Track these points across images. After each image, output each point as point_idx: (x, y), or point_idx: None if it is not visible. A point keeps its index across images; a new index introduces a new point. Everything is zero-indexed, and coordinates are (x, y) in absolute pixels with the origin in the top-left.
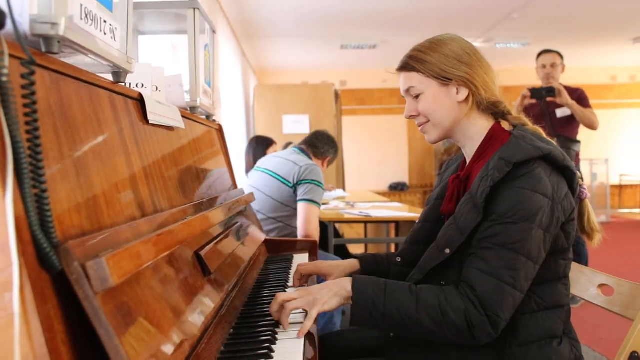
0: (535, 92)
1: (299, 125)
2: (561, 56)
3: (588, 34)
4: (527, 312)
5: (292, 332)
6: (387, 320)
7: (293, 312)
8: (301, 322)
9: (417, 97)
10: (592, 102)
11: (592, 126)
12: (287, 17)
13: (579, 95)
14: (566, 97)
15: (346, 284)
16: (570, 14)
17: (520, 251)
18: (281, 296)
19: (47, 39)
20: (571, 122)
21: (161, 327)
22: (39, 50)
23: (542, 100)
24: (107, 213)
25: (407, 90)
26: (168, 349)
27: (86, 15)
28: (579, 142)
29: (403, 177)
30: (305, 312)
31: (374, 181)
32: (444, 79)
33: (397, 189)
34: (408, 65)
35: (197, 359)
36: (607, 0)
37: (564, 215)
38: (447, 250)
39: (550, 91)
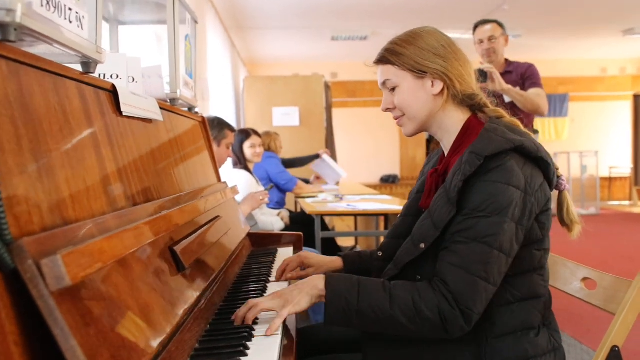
0: None
1: (288, 118)
2: (501, 25)
3: (579, 26)
4: (503, 304)
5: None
6: (362, 318)
7: (267, 312)
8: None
9: (393, 90)
10: (582, 94)
11: (537, 111)
12: (278, 8)
13: (524, 73)
14: (499, 82)
15: (318, 282)
16: (560, 5)
17: (493, 245)
18: (252, 301)
19: (3, 26)
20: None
21: (127, 325)
22: None
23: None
24: (74, 209)
25: (384, 83)
26: (133, 348)
27: (48, 3)
28: (535, 131)
29: (394, 169)
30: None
31: (365, 174)
32: (419, 72)
33: (388, 182)
34: (384, 58)
35: (168, 358)
36: None
37: (538, 207)
38: (422, 245)
39: (482, 75)
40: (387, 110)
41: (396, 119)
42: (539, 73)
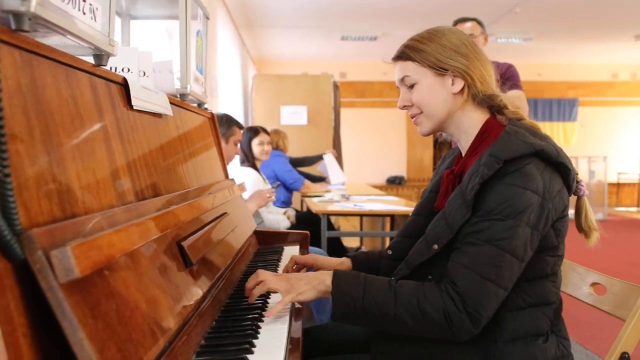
0: None
1: (296, 116)
2: (480, 24)
3: (590, 30)
4: (514, 309)
5: (275, 326)
6: (367, 316)
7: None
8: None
9: (411, 87)
10: (592, 99)
11: None
12: (288, 6)
13: (504, 73)
14: None
15: (325, 278)
16: (573, 9)
17: (505, 248)
18: (262, 274)
19: (17, 15)
20: None
21: (134, 319)
22: (9, 27)
23: None
24: (83, 201)
25: (402, 80)
26: (140, 342)
27: None
28: None
29: (401, 170)
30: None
31: (371, 174)
32: (440, 69)
33: (394, 183)
34: (404, 54)
35: (173, 353)
36: None
37: (555, 213)
38: (435, 246)
39: None
40: (404, 107)
41: (413, 117)
42: (518, 74)
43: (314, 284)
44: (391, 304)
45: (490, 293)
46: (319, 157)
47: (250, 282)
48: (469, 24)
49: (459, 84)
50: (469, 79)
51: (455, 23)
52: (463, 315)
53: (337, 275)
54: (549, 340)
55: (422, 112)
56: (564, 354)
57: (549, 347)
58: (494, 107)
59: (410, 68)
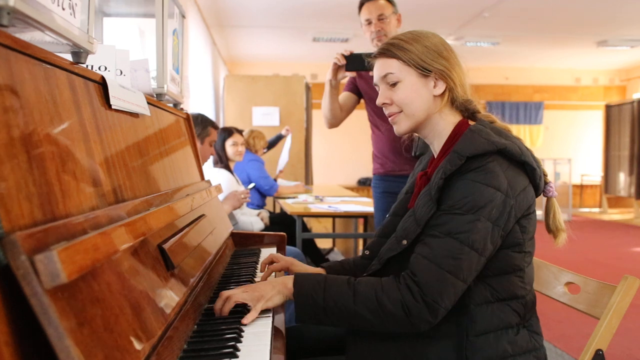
0: (352, 58)
1: (268, 118)
2: (391, 2)
3: (555, 35)
4: (483, 303)
5: (257, 329)
6: (328, 314)
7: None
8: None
9: (393, 85)
10: (556, 102)
11: None
12: (260, 6)
13: None
14: None
15: (288, 281)
16: (539, 15)
17: (464, 241)
18: (225, 293)
19: None
20: None
21: (119, 325)
22: None
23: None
24: (63, 202)
25: (384, 77)
26: (126, 349)
27: None
28: None
29: (371, 172)
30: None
31: (342, 176)
32: (424, 70)
33: (365, 184)
34: (389, 51)
35: (157, 359)
36: (574, 4)
37: (519, 210)
38: (405, 242)
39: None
40: (383, 105)
41: (390, 116)
42: None
43: (279, 289)
44: (350, 300)
45: (448, 284)
46: (280, 136)
47: (217, 304)
48: (375, 4)
49: (441, 86)
50: (450, 82)
51: (362, 2)
52: (421, 305)
53: (298, 277)
54: (520, 333)
55: (401, 111)
56: (535, 347)
57: (520, 340)
58: (468, 112)
59: (394, 65)
